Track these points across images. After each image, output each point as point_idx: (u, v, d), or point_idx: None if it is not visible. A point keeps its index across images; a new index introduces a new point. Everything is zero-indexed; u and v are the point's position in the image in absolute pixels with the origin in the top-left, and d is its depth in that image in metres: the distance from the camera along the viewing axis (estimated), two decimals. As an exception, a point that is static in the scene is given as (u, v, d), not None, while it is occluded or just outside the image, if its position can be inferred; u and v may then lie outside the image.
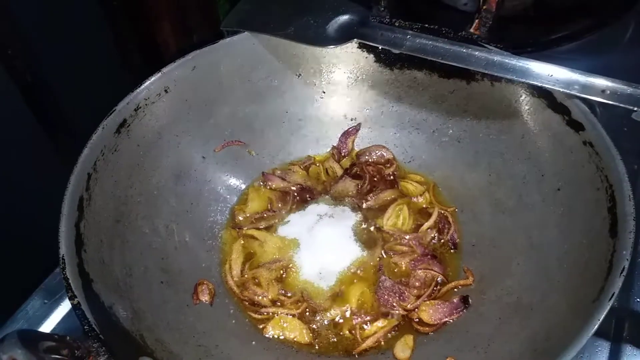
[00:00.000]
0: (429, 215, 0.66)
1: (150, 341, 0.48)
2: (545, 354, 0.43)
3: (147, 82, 0.64)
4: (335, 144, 0.75)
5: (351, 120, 0.75)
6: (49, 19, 0.79)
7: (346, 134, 0.75)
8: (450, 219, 0.65)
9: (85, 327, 0.41)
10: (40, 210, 0.60)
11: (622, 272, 0.43)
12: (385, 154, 0.73)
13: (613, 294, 0.42)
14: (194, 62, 0.67)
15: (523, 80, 0.58)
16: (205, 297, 0.59)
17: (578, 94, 0.54)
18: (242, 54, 0.70)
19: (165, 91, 0.65)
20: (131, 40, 0.96)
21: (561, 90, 0.55)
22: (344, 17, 0.67)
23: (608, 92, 0.53)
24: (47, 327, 0.65)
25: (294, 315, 0.59)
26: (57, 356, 0.34)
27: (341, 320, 0.59)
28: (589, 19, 0.99)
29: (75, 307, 0.42)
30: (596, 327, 0.41)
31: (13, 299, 0.67)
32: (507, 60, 0.59)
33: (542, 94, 0.60)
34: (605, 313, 0.41)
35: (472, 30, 0.67)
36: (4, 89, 0.77)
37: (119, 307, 0.49)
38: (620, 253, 0.44)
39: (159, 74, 0.65)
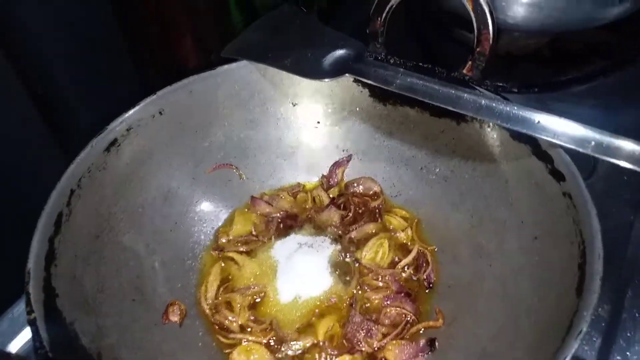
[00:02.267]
0: (409, 251, 0.66)
1: (108, 360, 0.49)
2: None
3: (142, 104, 0.66)
4: (325, 173, 0.76)
5: (343, 151, 0.76)
6: (63, 31, 0.82)
7: (337, 164, 0.75)
8: (429, 258, 0.65)
9: (36, 344, 0.42)
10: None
11: (579, 335, 0.42)
12: (373, 187, 0.73)
13: (565, 357, 0.40)
14: (191, 86, 0.69)
15: (509, 125, 0.57)
16: (175, 318, 0.60)
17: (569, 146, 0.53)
18: (239, 81, 0.71)
19: (160, 113, 0.67)
20: (148, 56, 0.98)
21: (548, 139, 0.54)
22: (340, 52, 0.68)
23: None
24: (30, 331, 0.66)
25: (260, 344, 0.59)
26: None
27: (307, 353, 0.59)
28: (604, 61, 0.98)
29: (31, 323, 0.44)
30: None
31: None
32: (494, 105, 0.59)
33: (528, 140, 0.59)
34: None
35: (464, 71, 0.67)
36: (18, 101, 0.80)
37: (83, 323, 0.50)
38: (582, 313, 0.43)
39: (154, 96, 0.66)
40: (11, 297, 0.67)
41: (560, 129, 0.54)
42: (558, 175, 0.55)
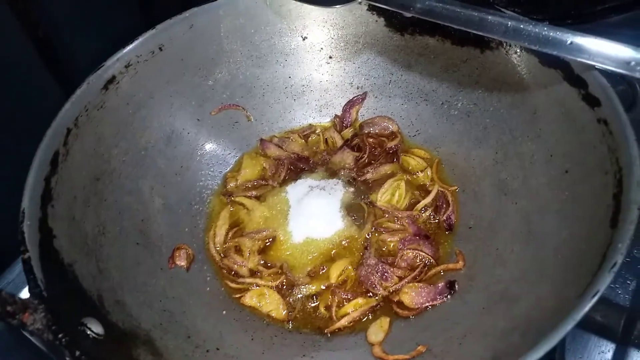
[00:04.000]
0: (428, 192, 0.62)
1: (109, 302, 0.47)
2: (513, 354, 0.38)
3: (141, 39, 0.62)
4: (338, 113, 0.71)
5: (357, 88, 0.71)
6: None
7: (351, 103, 0.71)
8: (450, 199, 0.60)
9: (30, 283, 0.40)
10: None
11: (612, 267, 0.37)
12: (390, 126, 0.69)
13: (597, 292, 0.36)
14: (192, 20, 0.65)
15: (537, 48, 0.52)
16: (182, 262, 0.58)
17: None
18: (244, 14, 0.67)
19: (160, 49, 0.63)
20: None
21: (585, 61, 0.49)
22: (351, -26, 0.62)
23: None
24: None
25: (270, 287, 0.56)
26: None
27: (319, 297, 0.56)
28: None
29: (24, 262, 0.42)
30: (570, 326, 0.36)
31: (10, 252, 0.68)
32: (522, 26, 0.53)
33: (559, 64, 0.53)
34: (584, 311, 0.36)
35: (491, -6, 0.60)
36: (20, 43, 0.77)
37: (82, 265, 0.48)
38: (616, 246, 0.39)
39: (153, 31, 0.63)
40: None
41: (596, 48, 0.48)
42: (593, 101, 0.49)
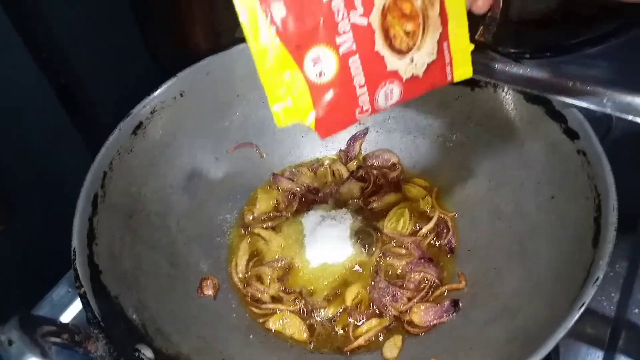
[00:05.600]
0: (429, 219, 0.68)
1: (151, 330, 0.52)
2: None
3: (164, 86, 0.68)
4: (343, 147, 0.78)
5: (359, 124, 0.78)
6: (82, 23, 0.84)
7: (354, 138, 0.77)
8: (450, 224, 0.67)
9: (88, 314, 0.45)
10: (71, 200, 0.65)
11: (595, 282, 0.44)
12: (391, 158, 0.75)
13: (584, 303, 0.43)
14: (209, 67, 0.71)
15: (521, 88, 0.59)
16: (209, 291, 0.63)
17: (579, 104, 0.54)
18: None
19: (181, 95, 0.69)
20: (162, 42, 1.00)
21: (559, 99, 0.56)
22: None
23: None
24: (70, 313, 0.70)
25: (292, 312, 0.62)
26: (56, 339, 0.38)
27: (336, 319, 0.61)
28: (614, 22, 0.97)
29: (81, 296, 0.47)
30: (562, 335, 0.42)
31: (42, 286, 0.73)
32: (507, 68, 0.60)
33: (541, 102, 0.60)
34: (574, 321, 0.42)
35: (476, 37, 0.68)
36: (41, 90, 0.83)
37: (125, 297, 0.53)
38: (598, 263, 0.45)
39: (175, 79, 0.69)
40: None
41: (571, 88, 0.55)
42: (572, 134, 0.56)
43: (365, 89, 0.40)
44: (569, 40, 1.03)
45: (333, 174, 0.76)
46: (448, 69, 0.45)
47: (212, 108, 0.72)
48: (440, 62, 0.44)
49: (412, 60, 0.42)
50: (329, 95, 0.38)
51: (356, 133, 0.77)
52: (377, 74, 0.40)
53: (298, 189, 0.74)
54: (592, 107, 0.55)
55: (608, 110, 0.54)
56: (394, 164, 0.75)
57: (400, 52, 0.41)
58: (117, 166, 0.62)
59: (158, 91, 0.67)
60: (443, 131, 0.72)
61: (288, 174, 0.76)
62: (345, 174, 0.75)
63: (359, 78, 0.39)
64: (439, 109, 0.72)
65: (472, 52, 0.63)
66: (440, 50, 0.43)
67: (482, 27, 0.69)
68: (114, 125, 0.64)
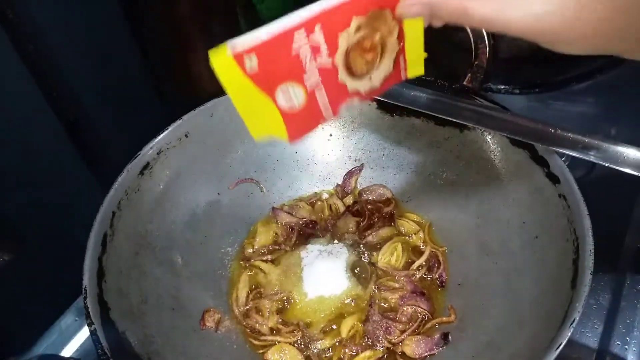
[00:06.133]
0: (421, 253, 0.71)
1: (157, 363, 0.55)
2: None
3: (170, 128, 0.72)
4: (339, 182, 0.82)
5: (355, 160, 0.81)
6: (88, 61, 0.88)
7: (350, 174, 0.81)
8: (441, 258, 0.70)
9: (99, 351, 0.48)
10: (79, 231, 0.69)
11: (572, 323, 0.47)
12: (385, 193, 0.79)
13: (560, 344, 0.46)
14: (213, 109, 0.75)
15: (506, 134, 0.63)
16: (211, 324, 0.66)
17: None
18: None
19: (186, 136, 0.73)
20: (166, 73, 1.04)
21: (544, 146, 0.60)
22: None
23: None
24: (77, 341, 0.73)
25: (290, 344, 0.65)
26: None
27: (332, 350, 0.64)
28: (600, 59, 1.01)
29: (92, 333, 0.50)
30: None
31: (49, 314, 0.76)
32: (493, 114, 0.64)
33: (525, 146, 0.64)
34: (551, 361, 0.45)
35: (465, 83, 0.72)
36: (51, 127, 0.87)
37: (132, 332, 0.56)
38: (574, 305, 0.48)
39: (180, 121, 0.73)
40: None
41: (553, 135, 0.59)
42: (554, 178, 0.60)
43: (329, 108, 0.47)
44: (557, 77, 1.08)
45: (330, 207, 0.79)
46: (403, 73, 0.50)
47: (215, 147, 0.76)
48: (396, 71, 0.49)
49: (370, 79, 0.47)
50: (298, 117, 0.45)
51: (352, 168, 0.81)
52: (339, 96, 0.47)
53: (297, 222, 0.77)
54: (574, 154, 0.58)
55: (592, 158, 0.57)
56: (388, 199, 0.78)
57: (361, 76, 0.46)
58: (125, 205, 0.65)
59: (164, 133, 0.71)
60: (434, 169, 0.76)
61: (287, 208, 0.79)
62: (342, 208, 0.78)
63: (323, 101, 0.46)
64: (429, 148, 0.76)
65: (460, 97, 0.67)
66: (396, 63, 0.48)
67: (469, 75, 0.73)
68: (120, 152, 0.67)
